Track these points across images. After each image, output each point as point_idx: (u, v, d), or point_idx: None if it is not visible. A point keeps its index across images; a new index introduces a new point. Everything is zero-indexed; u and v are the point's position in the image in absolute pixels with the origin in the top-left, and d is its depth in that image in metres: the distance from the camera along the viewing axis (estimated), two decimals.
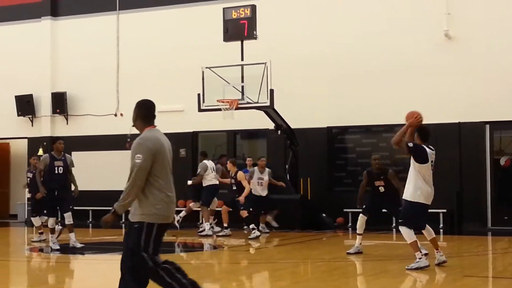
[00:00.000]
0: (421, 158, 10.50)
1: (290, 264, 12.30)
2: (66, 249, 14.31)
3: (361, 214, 12.98)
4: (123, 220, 16.85)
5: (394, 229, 16.68)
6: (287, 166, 19.34)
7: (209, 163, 17.76)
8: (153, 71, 21.86)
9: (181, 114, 21.39)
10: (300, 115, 19.67)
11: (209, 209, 17.52)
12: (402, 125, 10.69)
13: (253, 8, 18.03)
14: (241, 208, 16.72)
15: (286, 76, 19.27)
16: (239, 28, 18.04)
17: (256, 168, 17.42)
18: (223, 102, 17.50)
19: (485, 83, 18.41)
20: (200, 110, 18.15)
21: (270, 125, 19.10)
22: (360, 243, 12.86)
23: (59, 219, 14.96)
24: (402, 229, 10.74)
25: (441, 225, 17.76)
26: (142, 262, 6.32)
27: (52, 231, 14.43)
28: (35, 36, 23.65)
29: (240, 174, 16.98)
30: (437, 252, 10.91)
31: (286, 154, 19.77)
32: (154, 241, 6.35)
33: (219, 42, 18.51)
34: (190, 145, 21.51)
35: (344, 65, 19.75)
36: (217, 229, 17.50)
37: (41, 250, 14.93)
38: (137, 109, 6.65)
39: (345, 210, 18.74)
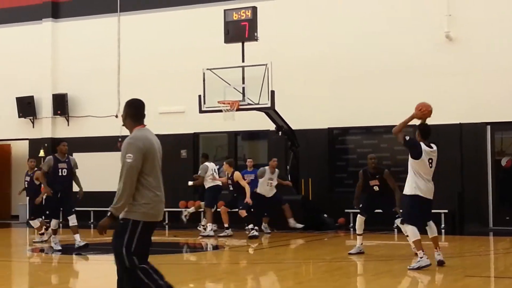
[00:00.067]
0: (415, 154, 10.64)
1: (291, 265, 12.32)
2: (67, 249, 14.32)
3: (359, 215, 13.01)
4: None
5: (395, 229, 16.67)
6: (288, 167, 19.34)
7: (210, 165, 17.79)
8: (154, 73, 21.88)
9: (182, 116, 21.42)
10: (301, 116, 19.68)
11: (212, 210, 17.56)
12: None
13: (254, 9, 18.05)
14: (240, 207, 16.74)
15: (287, 77, 19.29)
16: (240, 30, 18.06)
17: (267, 168, 17.48)
18: (224, 103, 17.51)
19: (486, 84, 18.42)
20: (201, 111, 18.16)
21: (271, 126, 19.12)
22: (361, 243, 12.86)
23: (61, 221, 14.97)
24: (407, 227, 10.84)
25: (443, 226, 17.75)
26: (121, 260, 6.30)
27: (55, 232, 14.44)
28: (36, 38, 23.67)
29: (237, 174, 16.97)
30: (436, 251, 10.91)
31: (287, 155, 19.76)
32: (138, 240, 6.29)
33: (220, 44, 18.53)
34: (191, 146, 21.54)
35: (345, 66, 19.77)
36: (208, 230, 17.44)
37: (42, 250, 14.94)
38: (126, 108, 6.63)
39: (346, 210, 18.74)
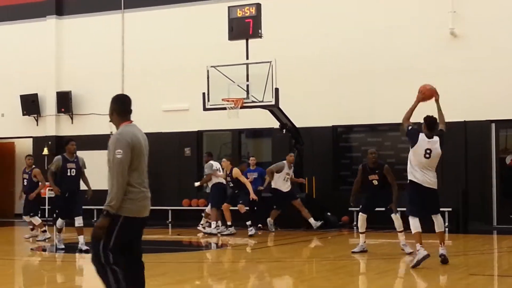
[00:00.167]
0: (412, 142, 10.86)
1: (295, 263, 12.30)
2: (70, 248, 14.30)
3: (360, 213, 13.00)
4: None
5: None
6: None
7: (215, 164, 17.80)
8: (158, 70, 21.86)
9: (186, 113, 21.39)
10: (305, 114, 19.64)
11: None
12: None
13: (258, 6, 18.00)
14: (240, 202, 16.73)
15: (291, 75, 19.24)
16: (244, 27, 18.02)
17: (285, 162, 17.71)
18: (228, 101, 17.50)
19: (491, 81, 18.35)
20: (205, 109, 18.15)
21: (275, 124, 19.08)
22: (365, 242, 12.84)
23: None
24: (410, 219, 10.84)
25: (447, 224, 17.67)
26: (96, 254, 6.27)
27: (59, 230, 14.38)
28: (40, 35, 23.66)
29: (236, 171, 16.95)
30: (440, 247, 10.86)
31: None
32: (117, 236, 6.24)
33: (224, 41, 18.50)
34: (195, 144, 21.50)
35: (349, 64, 19.70)
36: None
37: (44, 250, 14.91)
38: (112, 104, 6.56)
39: (350, 209, 18.66)
